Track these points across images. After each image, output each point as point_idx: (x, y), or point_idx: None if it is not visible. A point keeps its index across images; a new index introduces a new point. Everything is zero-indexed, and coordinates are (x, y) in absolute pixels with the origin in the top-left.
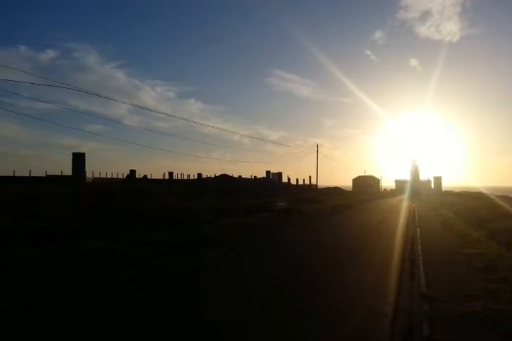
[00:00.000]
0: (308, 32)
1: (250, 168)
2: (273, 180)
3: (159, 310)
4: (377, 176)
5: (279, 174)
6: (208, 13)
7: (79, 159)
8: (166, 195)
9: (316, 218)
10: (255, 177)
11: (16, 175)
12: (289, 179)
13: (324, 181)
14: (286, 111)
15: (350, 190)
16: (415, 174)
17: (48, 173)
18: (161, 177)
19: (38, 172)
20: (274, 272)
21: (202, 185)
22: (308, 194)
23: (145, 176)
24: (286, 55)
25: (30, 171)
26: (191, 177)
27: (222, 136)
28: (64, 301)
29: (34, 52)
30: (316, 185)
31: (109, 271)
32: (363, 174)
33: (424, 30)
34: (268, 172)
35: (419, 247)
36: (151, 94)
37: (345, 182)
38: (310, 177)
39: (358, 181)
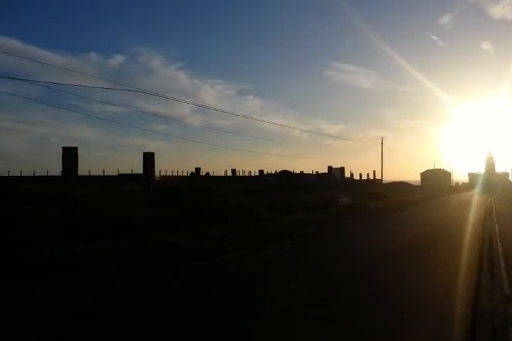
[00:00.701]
0: (368, 20)
1: (311, 163)
2: (335, 175)
3: (211, 307)
4: (448, 169)
5: (342, 169)
6: (262, 8)
7: (149, 158)
8: (229, 192)
9: (381, 215)
10: (317, 172)
11: (92, 174)
12: (351, 174)
13: (390, 175)
14: (345, 103)
15: (419, 184)
16: (490, 166)
17: (119, 172)
18: (223, 174)
19: (111, 171)
20: (334, 271)
21: (263, 181)
22: (372, 189)
23: (207, 173)
24: (344, 45)
25: (103, 170)
26: (252, 174)
27: (282, 132)
28: (134, 296)
29: (103, 58)
30: (381, 179)
31: (177, 266)
32: (432, 167)
33: (498, 10)
34: (330, 168)
35: (499, 245)
36: (211, 93)
37: (413, 176)
38: (374, 171)
39: (427, 175)
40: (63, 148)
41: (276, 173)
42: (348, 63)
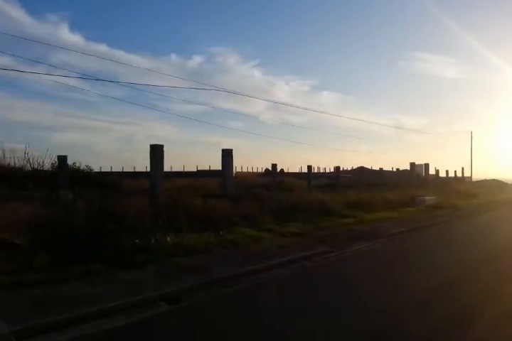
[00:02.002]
0: (449, 5)
1: (391, 159)
2: (418, 172)
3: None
4: None
5: (426, 165)
6: (331, 0)
7: (227, 155)
8: (305, 188)
9: (470, 215)
10: (397, 169)
11: (173, 170)
12: (437, 171)
13: (480, 173)
14: (428, 95)
15: None
16: None
17: (198, 168)
18: (298, 171)
19: (190, 167)
20: (422, 280)
21: (339, 178)
22: (460, 187)
23: (282, 170)
24: (425, 33)
25: (183, 166)
26: (328, 170)
27: (358, 127)
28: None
29: (183, 60)
30: (470, 177)
31: (259, 259)
32: None
33: None
34: (413, 164)
35: None
36: (286, 90)
37: (507, 173)
38: (463, 168)
39: None
40: (151, 145)
41: (353, 170)
42: (428, 52)
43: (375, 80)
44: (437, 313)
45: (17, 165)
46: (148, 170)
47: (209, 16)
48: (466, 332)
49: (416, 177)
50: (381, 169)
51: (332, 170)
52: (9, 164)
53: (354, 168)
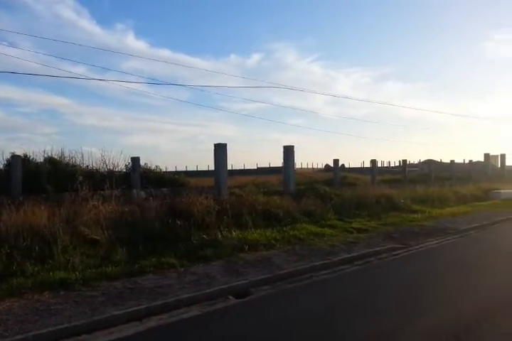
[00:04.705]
0: None
1: (463, 151)
2: (493, 163)
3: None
4: None
5: (502, 156)
6: None
7: (289, 151)
8: (369, 183)
9: None
10: (470, 161)
11: (234, 168)
12: None
13: None
14: (509, 81)
15: None
16: None
17: (258, 166)
18: (360, 166)
19: (251, 165)
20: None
21: (406, 172)
22: None
23: (343, 165)
24: (508, 10)
25: (244, 164)
26: (393, 165)
27: (426, 118)
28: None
29: (242, 59)
30: None
31: (324, 255)
32: None
33: None
34: (487, 156)
35: None
36: (346, 83)
37: None
38: None
39: None
40: (215, 144)
41: (421, 163)
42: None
43: (449, 66)
44: None
45: (94, 167)
46: (210, 168)
47: (266, 13)
48: None
49: (491, 169)
50: (452, 161)
51: (397, 164)
52: (88, 166)
53: (422, 160)
